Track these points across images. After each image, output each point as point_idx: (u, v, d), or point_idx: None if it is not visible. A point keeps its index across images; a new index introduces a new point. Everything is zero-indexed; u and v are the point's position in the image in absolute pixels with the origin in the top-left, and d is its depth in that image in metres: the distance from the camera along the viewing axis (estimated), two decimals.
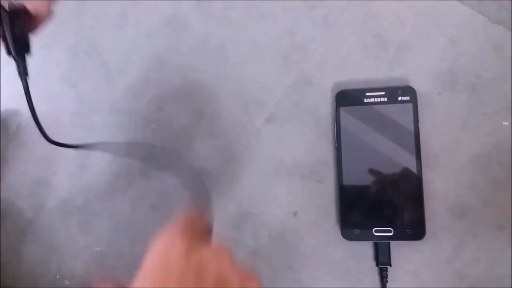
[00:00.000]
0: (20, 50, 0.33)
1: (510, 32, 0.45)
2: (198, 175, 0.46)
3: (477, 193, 0.43)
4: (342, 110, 0.45)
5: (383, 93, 0.45)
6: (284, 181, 0.46)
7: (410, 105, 0.44)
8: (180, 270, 0.27)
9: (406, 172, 0.43)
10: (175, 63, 0.50)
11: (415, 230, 0.42)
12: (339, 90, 0.46)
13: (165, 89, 0.50)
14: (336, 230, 0.44)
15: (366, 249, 0.44)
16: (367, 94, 0.45)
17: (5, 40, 0.32)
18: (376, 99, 0.45)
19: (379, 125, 0.44)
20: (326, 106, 0.47)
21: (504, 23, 0.45)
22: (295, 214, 0.46)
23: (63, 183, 0.49)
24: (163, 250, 0.28)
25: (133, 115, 0.49)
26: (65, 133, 0.49)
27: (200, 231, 0.30)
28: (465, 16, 0.46)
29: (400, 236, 0.42)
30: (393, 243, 0.43)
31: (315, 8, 0.49)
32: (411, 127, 0.44)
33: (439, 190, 0.43)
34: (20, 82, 0.34)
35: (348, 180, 0.44)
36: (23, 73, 0.34)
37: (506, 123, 0.44)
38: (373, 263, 0.44)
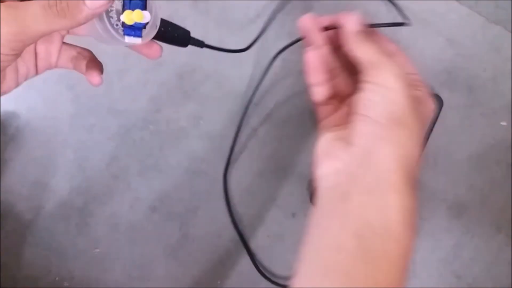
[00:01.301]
0: (184, 41, 0.36)
1: (508, 32, 0.45)
2: None
3: (475, 193, 0.43)
4: None
5: None
6: (282, 182, 0.46)
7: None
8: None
9: None
10: (172, 64, 0.50)
11: None
12: None
13: (163, 90, 0.50)
14: None
15: None
16: None
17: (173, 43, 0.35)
18: None
19: None
20: None
21: (502, 23, 0.45)
22: (293, 215, 0.46)
23: (62, 185, 0.49)
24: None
25: (131, 116, 0.49)
26: (63, 135, 0.49)
27: None
28: (463, 16, 0.46)
29: None
30: None
31: (313, 8, 0.49)
32: None
33: (437, 190, 0.43)
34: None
35: None
36: (202, 45, 0.37)
37: (504, 123, 0.44)
38: None
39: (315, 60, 0.33)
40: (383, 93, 0.29)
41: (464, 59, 0.45)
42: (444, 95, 0.44)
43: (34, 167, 0.49)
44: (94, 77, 0.34)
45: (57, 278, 0.47)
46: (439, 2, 0.46)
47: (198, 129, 0.48)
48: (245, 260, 0.45)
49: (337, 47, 0.34)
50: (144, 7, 0.31)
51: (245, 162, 0.47)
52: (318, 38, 0.34)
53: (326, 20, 0.35)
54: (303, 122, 0.47)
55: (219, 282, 0.45)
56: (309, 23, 0.35)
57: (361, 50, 0.33)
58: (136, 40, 0.31)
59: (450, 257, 0.43)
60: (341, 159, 0.29)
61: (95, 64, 0.35)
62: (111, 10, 0.29)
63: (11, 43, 0.27)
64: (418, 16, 0.47)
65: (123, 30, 0.30)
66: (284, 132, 0.47)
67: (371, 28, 0.36)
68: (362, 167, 0.28)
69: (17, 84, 0.34)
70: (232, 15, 0.50)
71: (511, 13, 0.45)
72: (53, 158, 0.49)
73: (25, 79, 0.34)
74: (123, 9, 0.30)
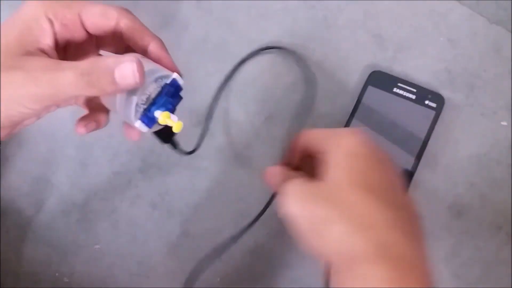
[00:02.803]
0: (169, 139, 0.38)
1: (508, 33, 0.45)
2: None
3: (475, 193, 0.43)
4: (370, 89, 0.45)
5: (414, 90, 0.44)
6: None
7: (433, 113, 0.44)
8: (366, 162, 0.29)
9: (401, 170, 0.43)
10: (175, 62, 0.50)
11: None
12: (373, 70, 0.46)
13: None
14: None
15: None
16: (399, 84, 0.45)
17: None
18: (404, 93, 0.45)
19: (395, 118, 0.44)
20: (324, 105, 0.47)
21: (502, 24, 0.45)
22: None
23: (63, 182, 0.49)
24: (353, 143, 0.29)
25: None
26: (65, 132, 0.49)
27: None
28: (464, 16, 0.46)
29: None
30: None
31: (314, 8, 0.49)
32: (423, 133, 0.44)
33: (437, 190, 0.44)
34: None
35: None
36: (177, 146, 0.39)
37: (504, 123, 0.44)
38: None
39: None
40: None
41: (464, 59, 0.45)
42: (445, 95, 0.45)
43: (35, 163, 0.49)
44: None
45: (57, 274, 0.47)
46: (440, 2, 0.47)
47: (200, 127, 0.49)
48: (245, 257, 0.46)
49: None
50: (174, 108, 0.32)
51: (245, 160, 0.47)
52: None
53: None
54: (302, 121, 0.47)
55: (218, 279, 0.46)
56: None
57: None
58: (144, 128, 0.31)
59: (449, 256, 0.43)
60: None
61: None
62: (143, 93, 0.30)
63: (44, 102, 0.28)
64: (419, 15, 0.47)
65: (141, 114, 0.30)
66: (284, 130, 0.47)
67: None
68: None
69: (39, 118, 0.35)
70: (234, 15, 0.50)
71: (511, 14, 0.45)
72: (54, 154, 0.49)
73: (47, 113, 0.35)
74: (156, 99, 0.30)
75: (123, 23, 0.31)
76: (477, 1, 0.46)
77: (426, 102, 0.44)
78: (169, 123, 0.30)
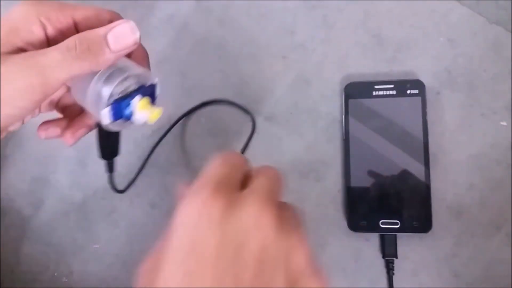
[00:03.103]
0: (111, 155, 0.38)
1: (508, 33, 0.45)
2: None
3: (474, 193, 0.43)
4: (351, 102, 0.45)
5: (392, 86, 0.45)
6: None
7: (419, 99, 0.44)
8: (216, 250, 0.21)
9: (413, 164, 0.43)
10: (174, 62, 0.50)
11: (421, 223, 0.42)
12: (347, 83, 0.46)
13: (164, 89, 0.50)
14: (334, 228, 0.44)
15: (367, 243, 0.44)
16: (376, 87, 0.45)
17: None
18: (385, 92, 0.45)
19: (387, 118, 0.44)
20: (324, 105, 0.47)
21: (502, 24, 0.45)
22: None
23: (62, 181, 0.49)
24: (191, 224, 0.22)
25: None
26: None
27: (237, 185, 0.24)
28: (463, 16, 0.46)
29: (406, 228, 0.42)
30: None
31: (314, 8, 0.49)
32: (419, 120, 0.44)
33: (437, 190, 0.43)
34: None
35: (355, 173, 0.44)
36: (111, 171, 0.40)
37: (504, 123, 0.44)
38: (378, 255, 0.43)
39: None
40: None
41: (464, 59, 0.45)
42: (444, 95, 0.45)
43: (35, 163, 0.49)
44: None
45: (56, 274, 0.47)
46: (440, 2, 0.47)
47: (199, 127, 0.49)
48: None
49: None
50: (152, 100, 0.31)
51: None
52: None
53: None
54: (302, 120, 0.47)
55: None
56: None
57: None
58: (105, 119, 0.29)
59: (449, 256, 0.42)
60: None
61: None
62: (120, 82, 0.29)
63: (34, 95, 0.26)
64: (419, 15, 0.47)
65: (113, 101, 0.29)
66: (284, 130, 0.47)
67: None
68: None
69: (23, 123, 0.34)
70: (234, 15, 0.50)
71: (511, 14, 0.45)
72: (53, 154, 0.49)
73: (31, 118, 0.35)
74: (132, 93, 0.30)
75: None
76: (477, 1, 0.46)
77: (408, 91, 0.44)
78: (149, 110, 0.30)
